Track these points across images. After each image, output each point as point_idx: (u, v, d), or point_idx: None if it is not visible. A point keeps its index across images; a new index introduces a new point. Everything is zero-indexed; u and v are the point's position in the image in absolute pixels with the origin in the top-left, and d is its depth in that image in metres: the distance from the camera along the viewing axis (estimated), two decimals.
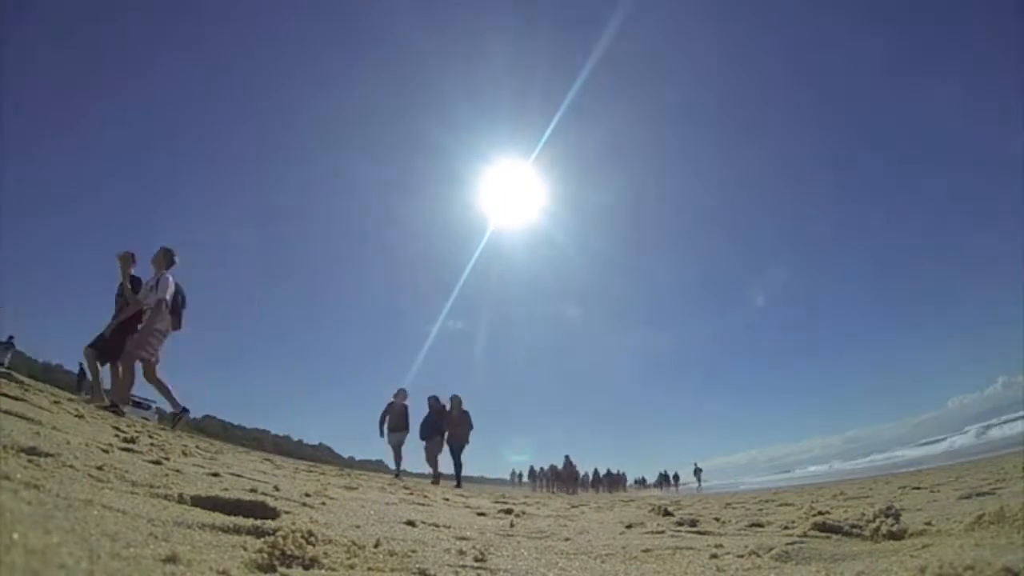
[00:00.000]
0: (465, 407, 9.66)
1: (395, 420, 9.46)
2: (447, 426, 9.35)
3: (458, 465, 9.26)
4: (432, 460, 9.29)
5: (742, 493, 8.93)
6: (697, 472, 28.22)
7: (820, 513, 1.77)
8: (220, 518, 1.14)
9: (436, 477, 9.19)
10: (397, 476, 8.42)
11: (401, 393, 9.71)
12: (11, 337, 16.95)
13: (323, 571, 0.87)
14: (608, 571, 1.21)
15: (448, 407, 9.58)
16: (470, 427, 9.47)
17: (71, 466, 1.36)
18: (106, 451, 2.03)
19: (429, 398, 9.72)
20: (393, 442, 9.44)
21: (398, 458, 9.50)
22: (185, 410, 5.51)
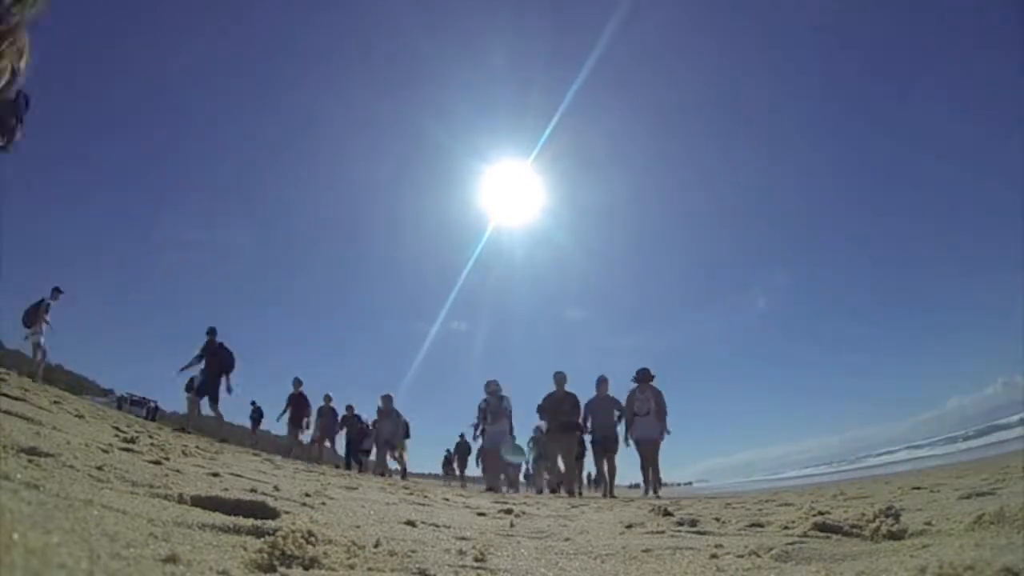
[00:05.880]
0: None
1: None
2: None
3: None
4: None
5: (742, 493, 8.92)
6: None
7: (820, 513, 1.76)
8: (220, 518, 1.14)
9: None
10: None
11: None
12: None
13: (323, 571, 0.87)
14: (608, 571, 1.21)
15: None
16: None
17: (71, 466, 1.36)
18: (106, 451, 2.03)
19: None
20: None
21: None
22: None
